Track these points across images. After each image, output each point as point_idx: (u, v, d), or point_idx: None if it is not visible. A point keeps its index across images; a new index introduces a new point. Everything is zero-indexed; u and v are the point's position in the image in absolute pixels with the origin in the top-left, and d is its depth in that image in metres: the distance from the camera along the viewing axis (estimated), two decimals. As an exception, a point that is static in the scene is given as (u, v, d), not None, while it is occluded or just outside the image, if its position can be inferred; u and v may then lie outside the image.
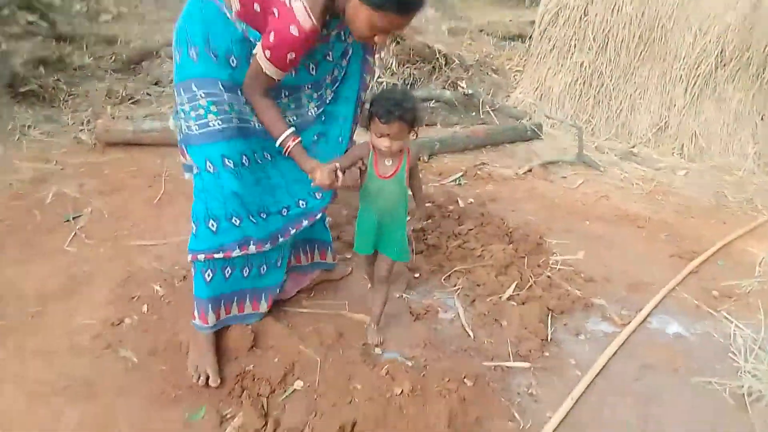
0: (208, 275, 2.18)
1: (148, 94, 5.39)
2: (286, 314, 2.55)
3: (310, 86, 2.27)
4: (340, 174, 2.04)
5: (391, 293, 2.57)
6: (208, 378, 2.15)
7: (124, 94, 5.23)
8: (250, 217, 2.15)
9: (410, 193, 2.32)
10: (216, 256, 2.12)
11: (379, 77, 5.60)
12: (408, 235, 2.43)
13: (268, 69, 1.90)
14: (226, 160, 2.05)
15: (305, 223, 2.33)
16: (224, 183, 2.06)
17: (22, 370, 2.21)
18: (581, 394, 2.23)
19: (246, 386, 2.15)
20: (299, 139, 2.08)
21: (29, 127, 4.49)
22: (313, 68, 2.19)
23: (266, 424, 2.00)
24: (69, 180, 3.73)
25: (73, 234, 3.12)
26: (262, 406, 2.08)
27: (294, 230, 2.30)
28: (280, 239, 2.27)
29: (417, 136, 2.19)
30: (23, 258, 2.89)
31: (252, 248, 2.17)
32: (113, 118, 4.59)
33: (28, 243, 3.02)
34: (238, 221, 2.12)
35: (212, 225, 2.10)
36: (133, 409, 2.06)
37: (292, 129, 2.07)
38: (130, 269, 2.83)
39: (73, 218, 3.27)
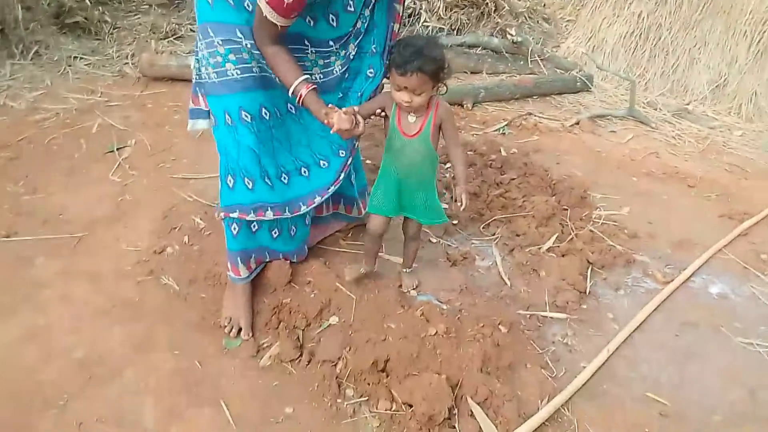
0: (235, 229, 2.15)
1: (191, 30, 5.35)
2: (324, 252, 2.56)
3: (336, 44, 2.08)
4: (359, 119, 1.87)
5: (423, 241, 2.52)
6: (240, 330, 2.14)
7: (167, 30, 5.21)
8: (266, 179, 2.05)
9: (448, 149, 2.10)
10: (231, 215, 2.07)
11: (425, 21, 5.45)
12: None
13: (269, 13, 1.73)
14: (244, 113, 1.95)
15: (331, 189, 2.21)
16: (241, 138, 1.98)
17: (69, 290, 2.29)
18: (618, 347, 2.20)
19: (282, 318, 2.18)
20: (313, 86, 1.89)
21: (75, 58, 4.54)
22: (333, 20, 2.00)
23: (301, 354, 2.05)
24: (113, 112, 3.78)
25: (117, 164, 3.17)
26: (298, 338, 2.11)
27: (319, 197, 2.19)
28: (303, 207, 2.16)
29: (447, 89, 1.94)
30: (71, 185, 2.96)
31: (269, 214, 2.08)
32: (157, 52, 4.59)
33: (75, 170, 3.09)
34: (251, 183, 2.03)
35: (229, 181, 2.05)
36: (174, 334, 2.12)
37: (306, 76, 1.89)
38: (172, 201, 2.87)
39: (118, 149, 3.32)
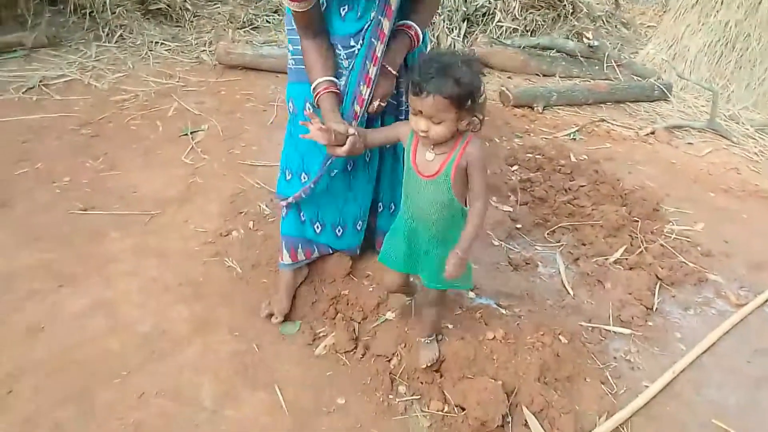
0: (284, 212, 2.17)
1: (267, 21, 5.47)
2: (384, 247, 2.55)
3: (357, 41, 1.84)
4: (351, 140, 1.65)
5: (443, 314, 2.09)
6: (272, 315, 2.15)
7: (245, 20, 5.33)
8: (301, 177, 2.05)
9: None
10: (275, 197, 2.11)
11: (499, 21, 5.37)
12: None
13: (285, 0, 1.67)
14: (308, 104, 1.90)
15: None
16: (300, 128, 1.91)
17: (138, 266, 2.37)
18: (684, 369, 2.10)
19: (340, 309, 2.19)
20: (331, 89, 1.75)
21: (156, 43, 4.71)
22: (358, 8, 1.80)
23: (356, 347, 2.05)
24: (189, 96, 3.90)
25: (190, 147, 3.27)
26: (354, 330, 2.12)
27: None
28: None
29: (481, 124, 1.55)
30: (146, 164, 3.07)
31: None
32: (234, 41, 4.70)
33: (150, 151, 3.20)
34: (290, 175, 2.07)
35: (288, 174, 2.09)
36: (234, 316, 2.17)
37: (328, 78, 1.75)
38: (240, 186, 2.94)
39: (191, 133, 3.42)
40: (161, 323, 2.11)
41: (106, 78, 4.01)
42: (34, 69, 4.02)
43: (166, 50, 4.64)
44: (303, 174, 2.05)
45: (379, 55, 1.78)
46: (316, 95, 1.76)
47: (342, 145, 1.66)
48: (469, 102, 1.46)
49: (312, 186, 2.00)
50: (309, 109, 1.82)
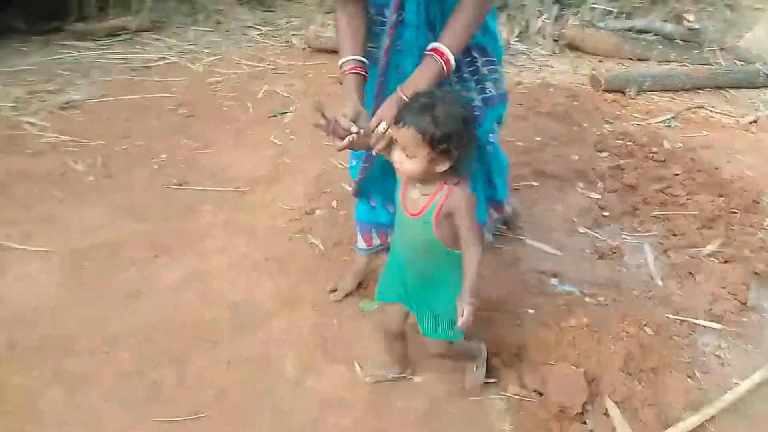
0: (356, 198, 2.21)
1: (355, 5, 5.53)
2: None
3: (390, 11, 1.70)
4: (348, 138, 1.53)
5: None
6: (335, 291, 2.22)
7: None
8: (363, 161, 2.04)
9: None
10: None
11: (593, 3, 5.16)
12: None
13: None
14: None
15: None
16: None
17: (229, 242, 2.50)
18: (780, 369, 1.98)
19: (419, 290, 2.22)
20: (357, 69, 1.64)
21: (249, 28, 4.89)
22: None
23: (435, 327, 2.06)
24: (279, 79, 4.03)
25: (278, 129, 3.38)
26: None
27: None
28: None
29: (460, 177, 1.49)
30: (236, 144, 3.22)
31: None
32: (323, 26, 4.79)
33: (241, 131, 3.35)
34: (354, 160, 2.10)
35: (353, 160, 2.12)
36: (317, 292, 2.24)
37: (354, 57, 1.64)
38: (325, 167, 3.02)
39: (280, 114, 3.54)
40: (249, 297, 2.21)
41: (201, 61, 4.21)
42: (137, 52, 4.28)
43: (257, 34, 4.81)
44: (362, 159, 2.07)
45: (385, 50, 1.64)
46: (341, 74, 1.67)
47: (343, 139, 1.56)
48: (444, 145, 1.39)
49: (362, 176, 2.03)
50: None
